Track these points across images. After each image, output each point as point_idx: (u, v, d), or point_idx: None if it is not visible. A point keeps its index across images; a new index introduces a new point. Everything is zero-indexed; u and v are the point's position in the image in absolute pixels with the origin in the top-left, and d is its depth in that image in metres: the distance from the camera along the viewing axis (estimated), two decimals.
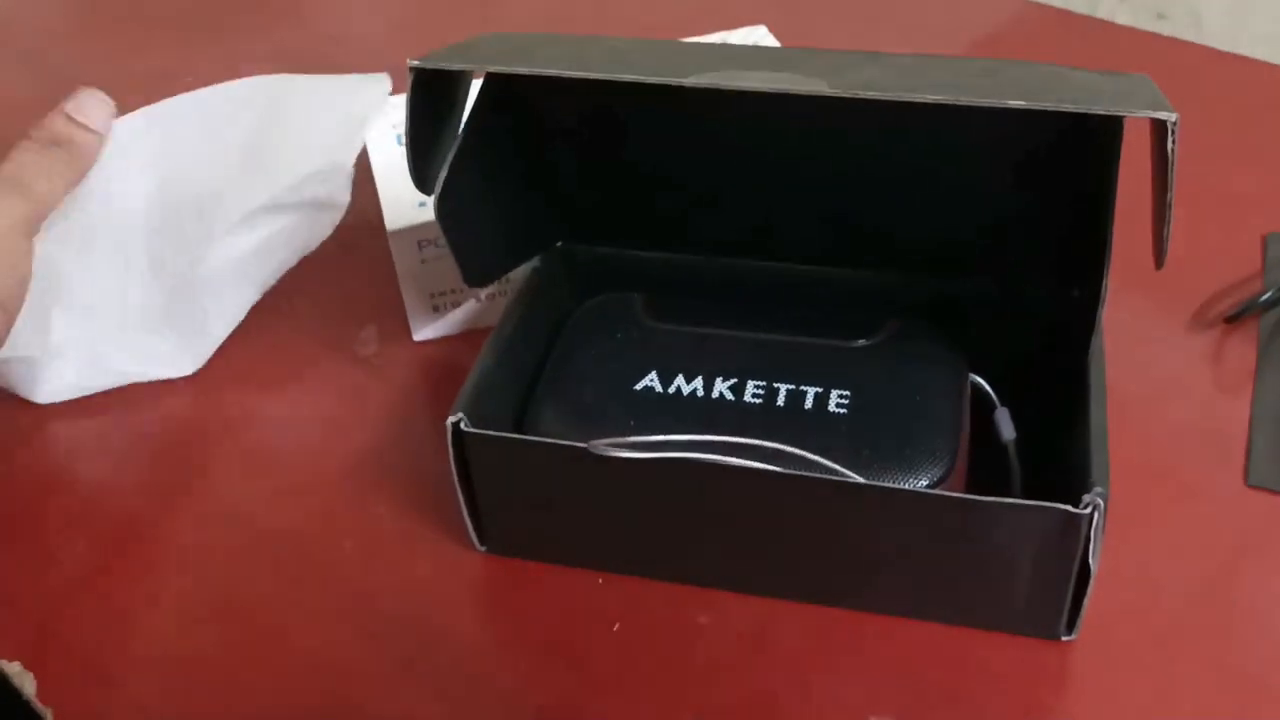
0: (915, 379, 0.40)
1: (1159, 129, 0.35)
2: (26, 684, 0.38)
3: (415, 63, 0.39)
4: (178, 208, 0.51)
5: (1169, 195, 0.35)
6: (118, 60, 0.74)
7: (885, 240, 0.45)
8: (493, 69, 0.38)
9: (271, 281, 0.51)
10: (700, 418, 0.39)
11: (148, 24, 0.78)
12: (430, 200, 0.41)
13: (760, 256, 0.46)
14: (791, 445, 0.36)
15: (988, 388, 0.41)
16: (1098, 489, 0.34)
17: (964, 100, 0.34)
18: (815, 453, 0.36)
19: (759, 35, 0.62)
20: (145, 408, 0.48)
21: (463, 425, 0.38)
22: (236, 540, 0.43)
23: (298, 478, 0.45)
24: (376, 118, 0.50)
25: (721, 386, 0.40)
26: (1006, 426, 0.41)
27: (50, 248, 0.50)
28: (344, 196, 0.51)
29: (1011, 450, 0.40)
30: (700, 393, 0.40)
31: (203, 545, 0.43)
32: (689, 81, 0.36)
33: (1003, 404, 0.41)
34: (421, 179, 0.41)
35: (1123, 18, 0.74)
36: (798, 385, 0.39)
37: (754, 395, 0.39)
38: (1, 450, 0.47)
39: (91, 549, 0.43)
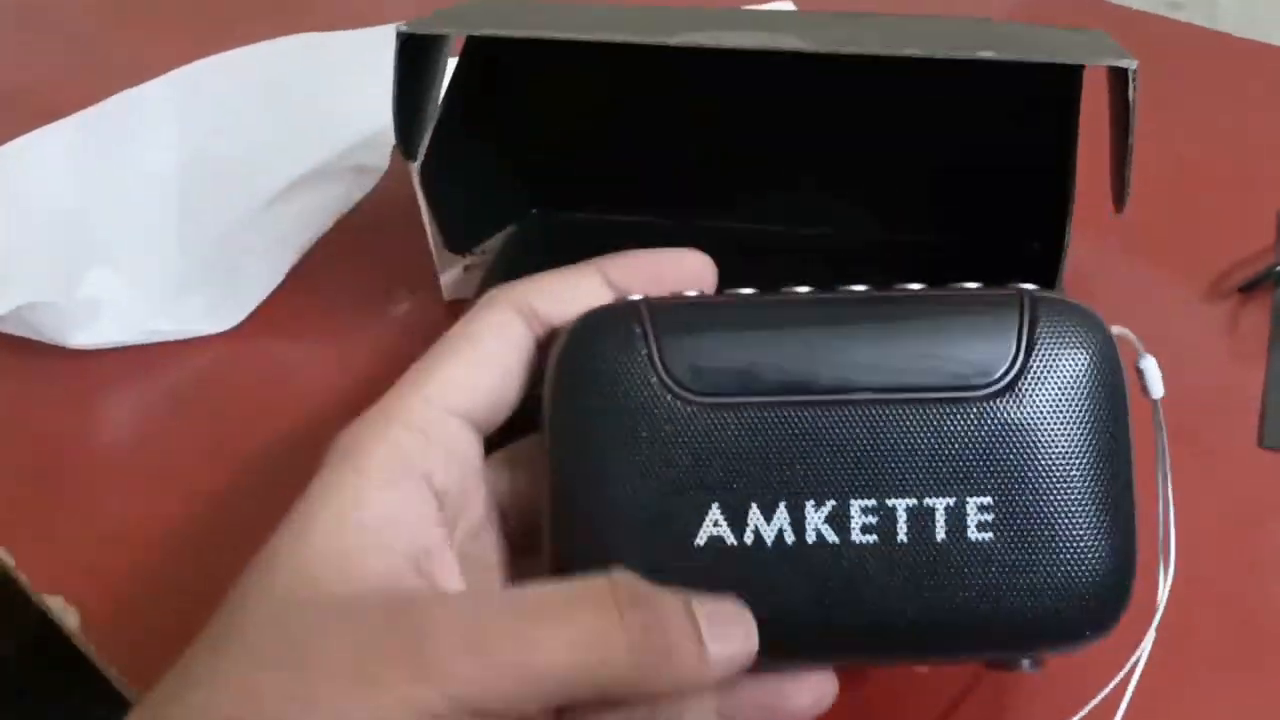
0: (1075, 456, 0.28)
1: (1118, 80, 0.36)
2: (69, 618, 0.40)
3: (404, 28, 0.39)
4: (216, 170, 0.52)
5: (1130, 140, 0.35)
6: (146, 39, 0.75)
7: (849, 196, 0.46)
8: (477, 33, 0.39)
9: (311, 243, 0.52)
10: (798, 584, 0.27)
11: (176, 6, 0.79)
12: None
13: (733, 218, 0.47)
14: (937, 610, 0.27)
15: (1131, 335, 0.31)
16: None
17: (937, 54, 0.35)
18: (975, 603, 0.27)
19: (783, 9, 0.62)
20: (180, 361, 0.49)
21: None
22: (271, 488, 0.44)
23: (331, 430, 0.46)
24: None
25: (816, 520, 0.27)
26: (1155, 382, 0.32)
27: (82, 205, 0.51)
28: (384, 161, 0.52)
29: (1159, 410, 0.32)
30: (790, 537, 0.27)
31: (238, 492, 0.44)
32: (666, 41, 0.36)
33: None
34: (407, 146, 0.42)
35: (1137, 5, 0.75)
36: (920, 500, 0.27)
37: (863, 530, 0.27)
38: (39, 398, 0.48)
39: (131, 495, 0.44)
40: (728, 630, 0.27)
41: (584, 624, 0.25)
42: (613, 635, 0.25)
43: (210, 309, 0.50)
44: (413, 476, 0.28)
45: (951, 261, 0.46)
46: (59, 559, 0.42)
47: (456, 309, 0.51)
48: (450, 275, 0.51)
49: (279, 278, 0.52)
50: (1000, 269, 0.45)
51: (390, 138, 0.52)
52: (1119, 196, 0.38)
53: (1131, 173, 0.36)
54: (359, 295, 0.52)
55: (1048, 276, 0.40)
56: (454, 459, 0.29)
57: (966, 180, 0.45)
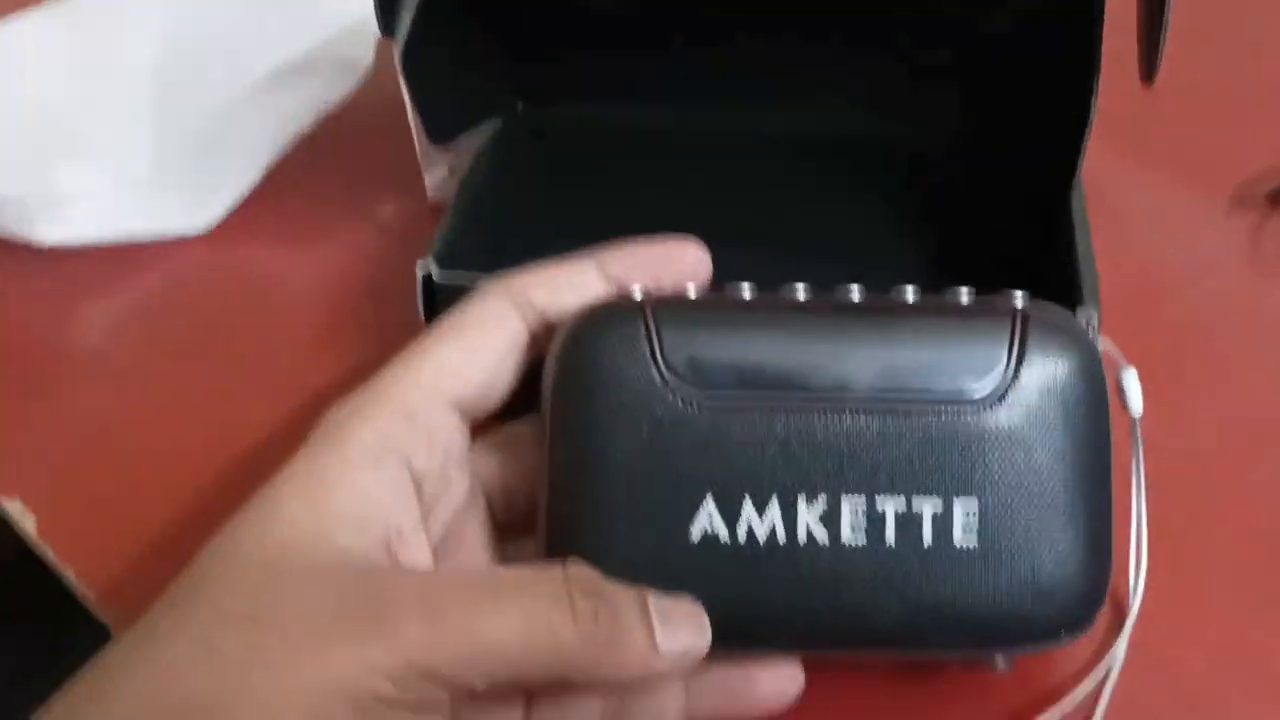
0: (1057, 464, 0.28)
1: None
2: (27, 522, 0.38)
3: None
4: (193, 62, 0.50)
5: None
6: None
7: (856, 90, 0.44)
8: None
9: (290, 141, 0.50)
10: (787, 583, 0.28)
11: None
12: None
13: (732, 114, 0.45)
14: (919, 607, 0.28)
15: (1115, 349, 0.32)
16: (1090, 307, 0.33)
17: None
18: (957, 602, 0.28)
19: None
20: (155, 261, 0.48)
21: (433, 276, 0.37)
22: (251, 392, 0.42)
23: (312, 333, 0.45)
24: None
25: (808, 518, 0.28)
26: (1135, 398, 0.33)
27: (54, 96, 0.49)
28: (368, 57, 0.50)
29: (1137, 427, 0.33)
30: (782, 535, 0.28)
31: (210, 395, 0.42)
32: None
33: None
34: (385, 20, 0.40)
35: None
36: (909, 500, 0.28)
37: (853, 529, 0.28)
38: (5, 296, 0.47)
39: (99, 398, 0.43)
40: (681, 624, 0.28)
41: (535, 606, 0.26)
42: (562, 619, 0.26)
43: (186, 207, 0.48)
44: (392, 459, 0.28)
45: (962, 167, 0.44)
46: (22, 461, 0.40)
47: (441, 211, 0.49)
48: (435, 175, 0.49)
49: (258, 175, 0.50)
50: (1018, 174, 0.43)
51: (375, 29, 0.50)
52: (1150, 64, 0.34)
53: (1167, 35, 0.33)
54: (342, 197, 0.50)
55: (1062, 181, 0.38)
56: (437, 444, 0.29)
57: (982, 75, 0.43)
